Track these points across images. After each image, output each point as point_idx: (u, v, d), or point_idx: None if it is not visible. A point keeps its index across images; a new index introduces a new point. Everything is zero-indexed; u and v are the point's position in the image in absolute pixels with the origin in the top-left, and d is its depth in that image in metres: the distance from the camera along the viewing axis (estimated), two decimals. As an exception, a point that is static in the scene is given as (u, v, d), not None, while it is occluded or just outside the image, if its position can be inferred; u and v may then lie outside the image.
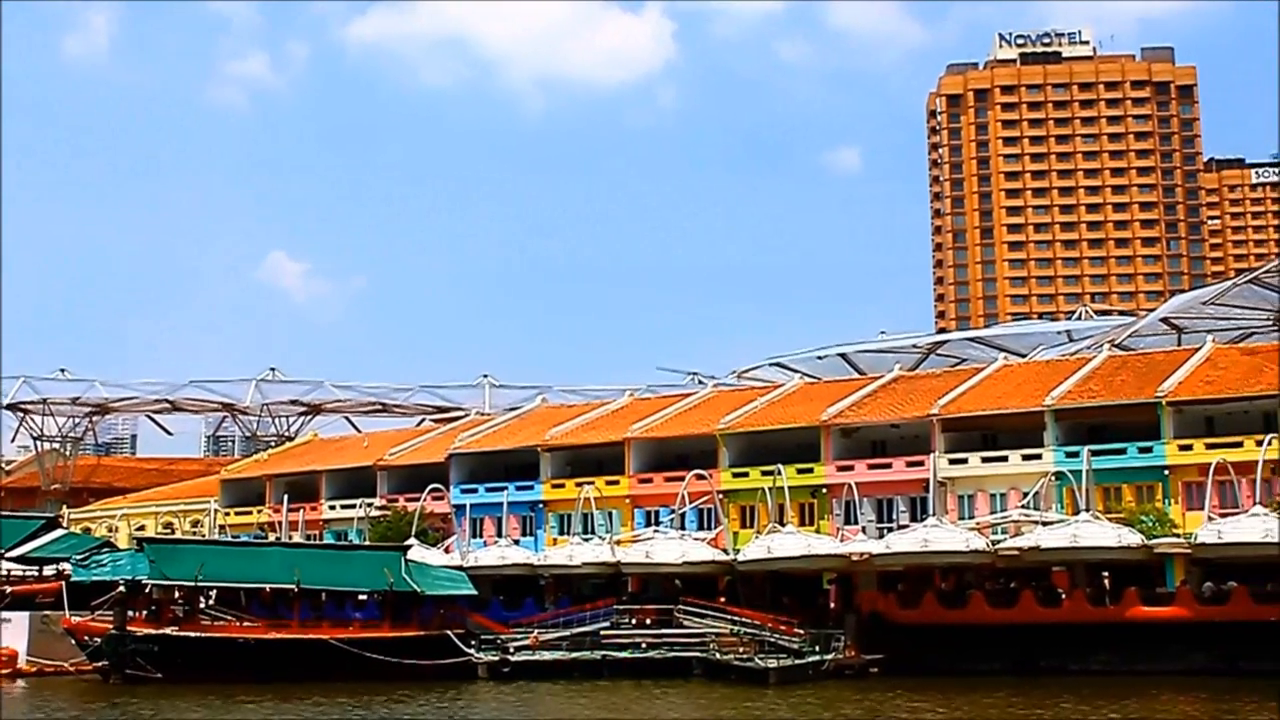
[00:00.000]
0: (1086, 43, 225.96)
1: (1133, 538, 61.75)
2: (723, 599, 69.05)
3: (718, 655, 62.25)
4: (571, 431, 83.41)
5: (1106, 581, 64.79)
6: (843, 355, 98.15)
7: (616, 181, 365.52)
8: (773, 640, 62.81)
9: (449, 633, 65.73)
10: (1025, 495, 67.32)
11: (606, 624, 67.60)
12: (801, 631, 63.19)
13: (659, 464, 78.57)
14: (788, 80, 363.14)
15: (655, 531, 73.73)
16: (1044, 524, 64.47)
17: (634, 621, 67.76)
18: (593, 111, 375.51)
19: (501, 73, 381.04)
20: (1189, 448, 66.14)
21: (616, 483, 78.34)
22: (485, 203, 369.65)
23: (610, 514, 77.25)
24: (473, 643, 65.97)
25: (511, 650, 65.56)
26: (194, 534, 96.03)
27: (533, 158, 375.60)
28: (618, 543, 73.49)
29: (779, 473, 71.34)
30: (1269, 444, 62.63)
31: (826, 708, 50.43)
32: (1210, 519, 61.83)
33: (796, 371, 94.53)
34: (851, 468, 72.67)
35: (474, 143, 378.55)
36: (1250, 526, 59.32)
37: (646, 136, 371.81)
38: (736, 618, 65.39)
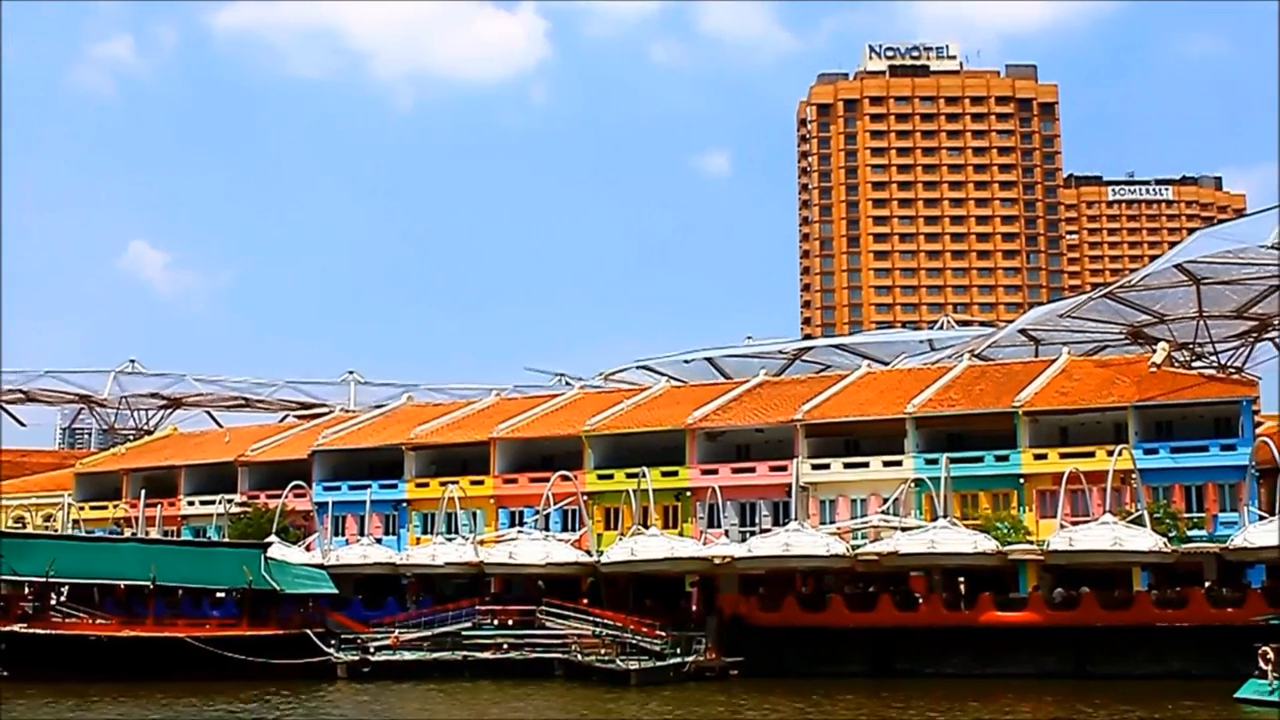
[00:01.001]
0: (954, 57, 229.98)
1: (988, 544, 63.04)
2: (585, 600, 69.19)
3: (579, 656, 62.39)
4: (437, 430, 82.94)
5: (962, 586, 66.09)
6: (709, 359, 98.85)
7: (487, 179, 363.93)
8: (634, 642, 63.08)
9: (308, 632, 65.05)
10: (885, 501, 68.41)
11: (468, 624, 67.40)
12: (663, 633, 63.52)
13: (524, 464, 78.48)
14: (660, 82, 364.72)
15: (519, 532, 73.57)
16: (903, 529, 65.54)
17: (496, 622, 67.63)
18: (464, 108, 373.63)
19: (372, 66, 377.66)
20: (1044, 457, 67.81)
21: (481, 483, 78.04)
22: (354, 197, 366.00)
23: (475, 514, 76.95)
24: (332, 642, 65.36)
25: (372, 650, 65.08)
26: (46, 528, 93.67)
27: (403, 153, 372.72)
28: (481, 543, 73.22)
29: (644, 475, 71.59)
30: (1119, 454, 64.40)
31: (686, 709, 50.78)
32: (1062, 526, 63.34)
33: (663, 375, 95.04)
34: (716, 471, 73.26)
35: (343, 136, 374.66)
36: (1100, 534, 60.87)
37: (518, 135, 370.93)
38: (599, 619, 65.56)
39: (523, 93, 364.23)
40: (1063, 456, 67.22)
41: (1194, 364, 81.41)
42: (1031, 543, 64.40)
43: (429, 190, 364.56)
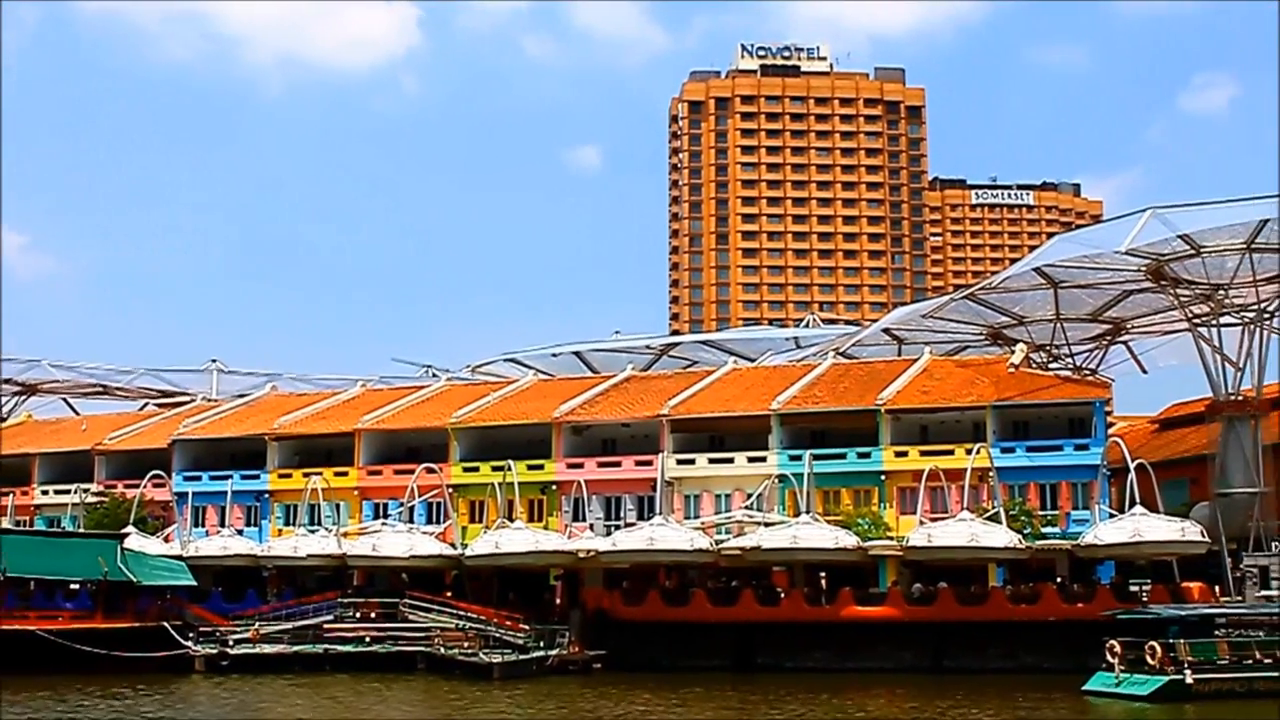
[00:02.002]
0: (824, 59, 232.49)
1: (849, 540, 63.95)
2: (449, 593, 68.95)
3: (442, 650, 62.17)
4: (301, 421, 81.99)
5: (824, 581, 66.97)
6: (577, 354, 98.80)
7: (355, 168, 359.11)
8: (498, 635, 63.00)
9: (166, 625, 63.97)
10: (749, 496, 69.12)
11: (330, 617, 66.80)
12: (527, 627, 63.48)
13: (389, 456, 77.95)
14: (532, 75, 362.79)
15: (383, 524, 73.06)
16: (766, 525, 66.25)
17: (358, 615, 67.10)
18: (334, 95, 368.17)
19: (242, 51, 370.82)
20: (904, 454, 69.06)
21: (345, 474, 77.39)
22: (220, 183, 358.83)
23: (338, 505, 76.23)
24: (190, 635, 64.33)
25: (231, 643, 64.23)
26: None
27: (271, 139, 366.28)
28: (344, 535, 72.61)
29: (509, 468, 71.51)
30: (977, 452, 65.78)
31: (548, 703, 50.85)
32: (921, 523, 64.53)
33: (531, 368, 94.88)
34: (581, 465, 73.48)
35: (211, 121, 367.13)
36: (957, 531, 62.08)
37: (388, 124, 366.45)
38: (462, 612, 65.35)
39: (393, 81, 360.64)
40: (923, 454, 68.54)
41: (1050, 365, 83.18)
42: (892, 539, 65.52)
43: (297, 177, 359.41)
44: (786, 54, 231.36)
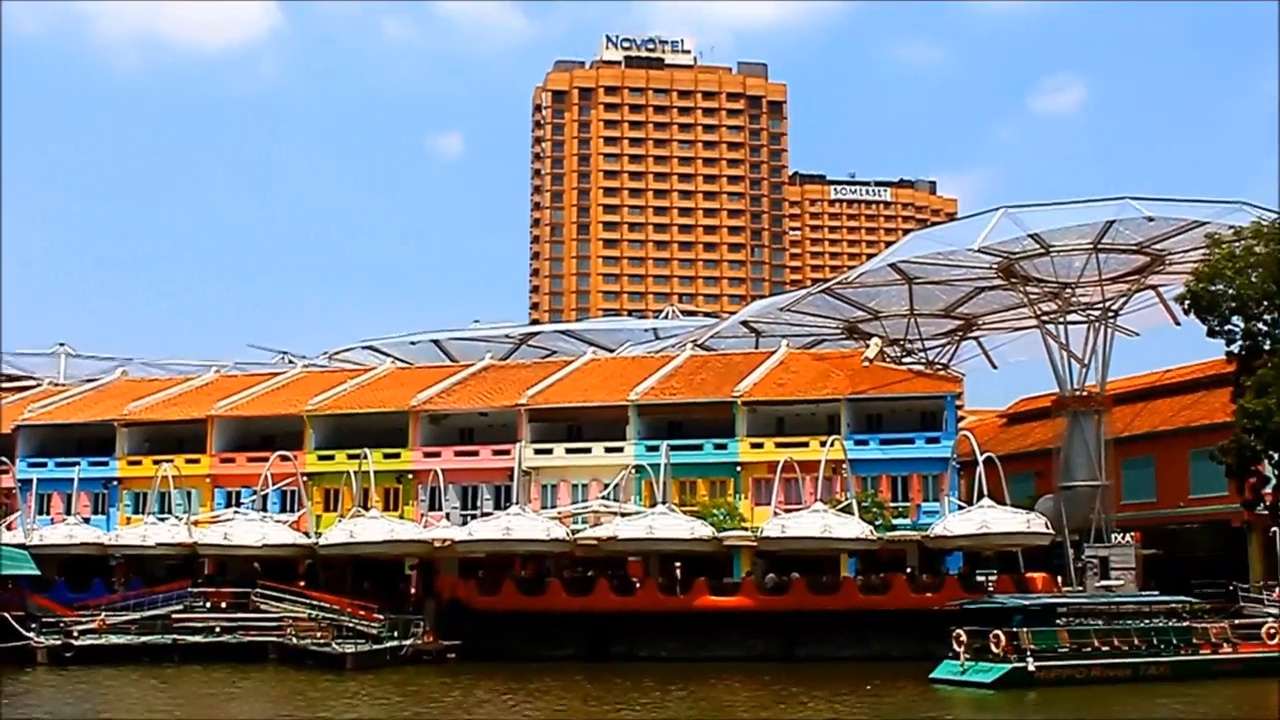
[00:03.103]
0: (688, 52, 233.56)
1: (704, 530, 64.50)
2: (302, 583, 68.12)
3: (294, 640, 61.39)
4: (152, 407, 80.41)
5: (678, 571, 67.41)
6: (436, 342, 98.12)
7: (212, 149, 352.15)
8: (351, 625, 62.39)
9: (7, 615, 62.27)
10: (606, 486, 69.34)
11: (179, 607, 65.53)
12: (381, 617, 62.98)
13: (243, 444, 76.82)
14: (394, 60, 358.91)
15: (235, 513, 71.97)
16: (622, 515, 66.52)
17: (209, 605, 65.97)
18: (191, 74, 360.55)
19: (95, 26, 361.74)
20: (760, 446, 69.90)
21: (197, 461, 76.18)
22: (69, 162, 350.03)
23: (189, 493, 74.90)
24: (33, 626, 62.71)
25: (75, 634, 62.69)
26: None
27: (124, 118, 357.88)
28: (195, 523, 71.33)
29: (365, 457, 70.90)
30: (831, 445, 66.75)
31: (400, 693, 50.49)
32: (776, 514, 65.29)
33: (389, 355, 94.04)
34: (438, 454, 73.16)
35: (62, 97, 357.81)
36: (811, 522, 62.97)
37: (246, 106, 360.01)
38: (315, 602, 64.61)
39: (252, 62, 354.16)
40: (778, 446, 69.44)
41: (904, 360, 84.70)
42: (746, 529, 66.23)
43: (151, 158, 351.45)
44: (651, 46, 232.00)
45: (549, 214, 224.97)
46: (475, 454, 73.42)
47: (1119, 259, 72.64)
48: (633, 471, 69.83)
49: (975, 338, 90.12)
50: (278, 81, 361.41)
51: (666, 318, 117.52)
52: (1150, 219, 67.21)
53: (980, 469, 64.25)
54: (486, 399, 75.32)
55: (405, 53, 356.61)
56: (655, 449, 69.06)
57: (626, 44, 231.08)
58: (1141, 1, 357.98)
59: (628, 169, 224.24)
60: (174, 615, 64.74)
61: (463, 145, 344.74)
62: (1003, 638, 50.02)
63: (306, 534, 70.56)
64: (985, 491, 63.40)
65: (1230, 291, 63.18)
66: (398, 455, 73.37)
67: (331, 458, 73.81)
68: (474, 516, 70.33)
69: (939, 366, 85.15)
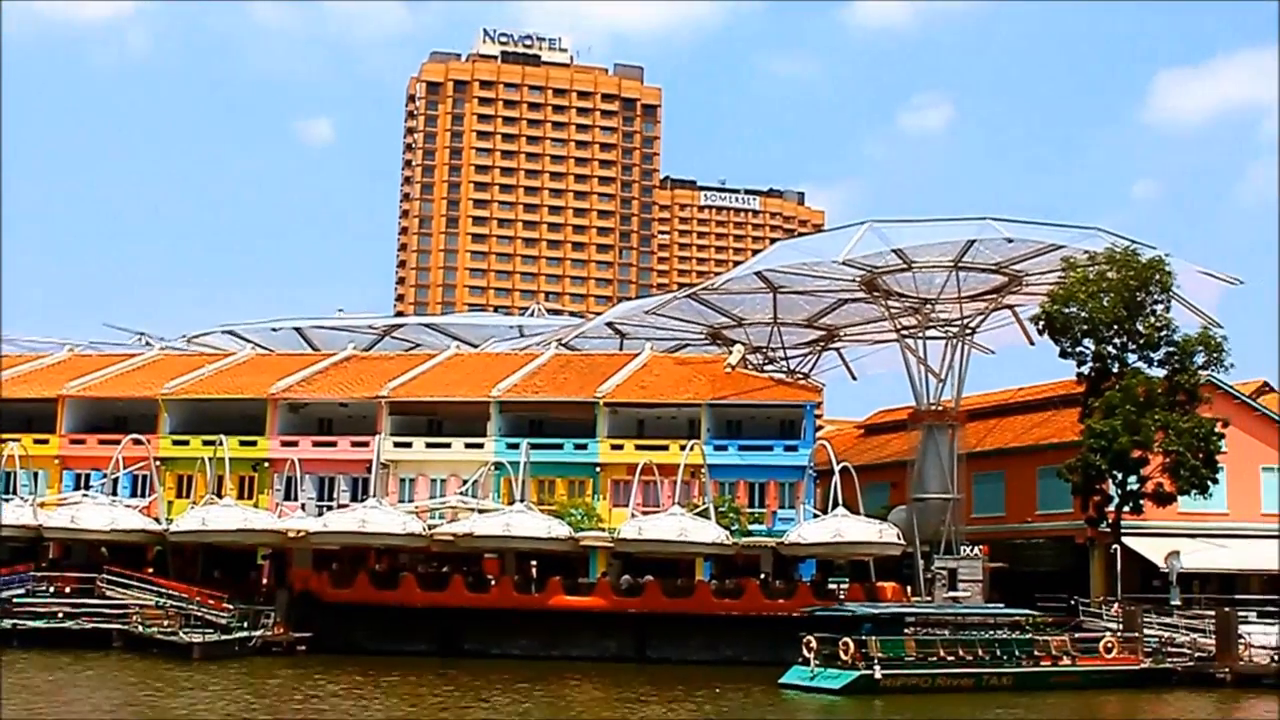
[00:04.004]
0: (565, 50, 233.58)
1: (562, 529, 64.58)
2: (151, 570, 66.82)
3: (140, 628, 60.25)
4: (-1, 384, 78.31)
5: (534, 570, 67.39)
6: (298, 329, 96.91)
7: (73, 124, 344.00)
8: (200, 614, 61.34)
9: None
10: (465, 482, 69.12)
11: (21, 591, 63.85)
12: (230, 606, 62.04)
13: (95, 425, 75.22)
14: (265, 42, 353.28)
15: (84, 495, 70.35)
16: (480, 511, 66.35)
17: (52, 590, 64.36)
18: (55, 45, 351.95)
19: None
20: (620, 447, 70.24)
21: (46, 441, 74.35)
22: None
23: (36, 474, 73.13)
24: None
25: (-92, 617, 60.81)
26: None
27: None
28: (41, 505, 69.58)
29: (221, 443, 69.85)
30: (691, 449, 67.27)
31: (244, 685, 49.80)
32: (633, 515, 65.57)
33: (249, 341, 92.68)
34: (296, 443, 72.43)
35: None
36: (668, 525, 63.31)
37: (110, 80, 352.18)
38: (163, 590, 63.44)
39: (118, 36, 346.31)
40: (638, 448, 69.86)
41: (766, 367, 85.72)
42: (603, 530, 66.44)
43: (6, 126, 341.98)
44: (528, 42, 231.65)
45: (418, 206, 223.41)
46: (333, 445, 72.76)
47: (978, 277, 74.22)
48: (492, 468, 69.69)
49: (836, 349, 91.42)
50: (146, 56, 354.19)
51: (532, 315, 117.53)
52: (1009, 240, 68.82)
53: (836, 478, 65.16)
54: (347, 390, 74.67)
55: (278, 35, 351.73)
56: (515, 447, 68.95)
57: (504, 39, 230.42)
58: (1012, 29, 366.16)
59: (499, 164, 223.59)
60: (15, 599, 63.10)
61: (333, 132, 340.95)
62: (851, 645, 50.81)
63: (157, 520, 69.23)
64: (840, 501, 64.29)
65: (1083, 314, 65.07)
66: (254, 443, 72.42)
67: (186, 443, 72.60)
68: (330, 508, 69.65)
69: (800, 375, 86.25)
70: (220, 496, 68.12)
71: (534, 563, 67.55)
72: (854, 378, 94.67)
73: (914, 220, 71.08)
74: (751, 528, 67.22)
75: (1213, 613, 58.49)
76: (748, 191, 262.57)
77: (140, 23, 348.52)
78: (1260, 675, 54.46)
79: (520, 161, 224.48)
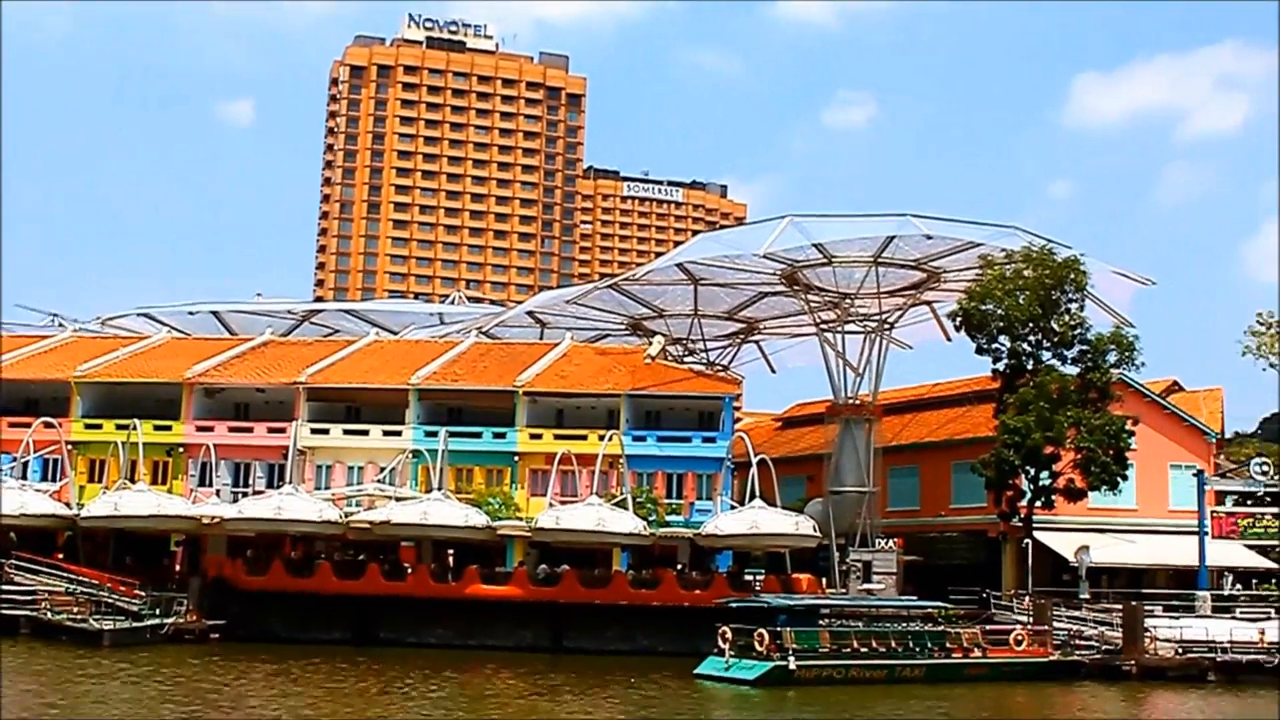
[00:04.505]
0: (490, 38, 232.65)
1: (479, 518, 64.45)
2: (61, 555, 65.83)
3: (49, 615, 59.37)
4: (-93, 365, 76.80)
5: (450, 559, 67.25)
6: (215, 313, 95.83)
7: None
8: (111, 601, 60.59)
9: None
10: (382, 470, 68.78)
11: (-75, 575, 62.75)
12: (142, 593, 61.33)
13: (5, 408, 73.77)
14: (187, 20, 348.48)
15: (-7, 479, 69.21)
16: (397, 499, 66.05)
17: (-43, 575, 63.30)
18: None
19: None
20: (539, 436, 70.25)
21: (-47, 425, 73.01)
22: None
23: (-57, 458, 71.80)
24: None
25: None
26: None
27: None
28: (-52, 489, 68.36)
29: (135, 427, 69.01)
30: (610, 439, 67.38)
31: (154, 673, 49.20)
32: (551, 505, 65.56)
33: (165, 325, 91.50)
34: (211, 429, 71.71)
35: None
36: (585, 515, 63.33)
37: (30, 61, 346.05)
38: (73, 576, 62.55)
39: (37, 14, 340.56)
40: (557, 438, 69.86)
41: (686, 359, 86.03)
42: (521, 519, 66.41)
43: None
44: (454, 28, 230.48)
45: (339, 190, 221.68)
46: (250, 430, 72.12)
47: (897, 273, 74.90)
48: (410, 456, 69.42)
49: (756, 341, 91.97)
50: (67, 35, 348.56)
51: (453, 303, 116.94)
52: (929, 237, 69.53)
53: (754, 470, 65.52)
54: (264, 375, 74.03)
55: (199, 14, 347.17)
56: (434, 434, 68.76)
57: (429, 24, 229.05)
58: (935, 29, 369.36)
59: (422, 150, 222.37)
60: (-83, 584, 61.99)
61: (254, 114, 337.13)
62: (766, 636, 51.15)
63: (68, 505, 68.21)
64: (757, 492, 64.69)
65: (999, 311, 65.90)
66: (169, 428, 71.63)
67: (99, 427, 71.63)
68: (245, 494, 69.09)
69: (719, 368, 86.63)
70: (133, 482, 67.20)
71: (451, 551, 67.47)
72: (773, 370, 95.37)
73: (835, 215, 71.64)
74: (669, 519, 67.43)
75: (1120, 607, 59.53)
76: (671, 183, 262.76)
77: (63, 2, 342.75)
78: (1165, 668, 55.51)
79: (443, 148, 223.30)
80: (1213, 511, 63.64)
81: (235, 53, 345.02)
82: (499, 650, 60.27)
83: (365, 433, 71.54)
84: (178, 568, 67.52)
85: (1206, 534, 62.96)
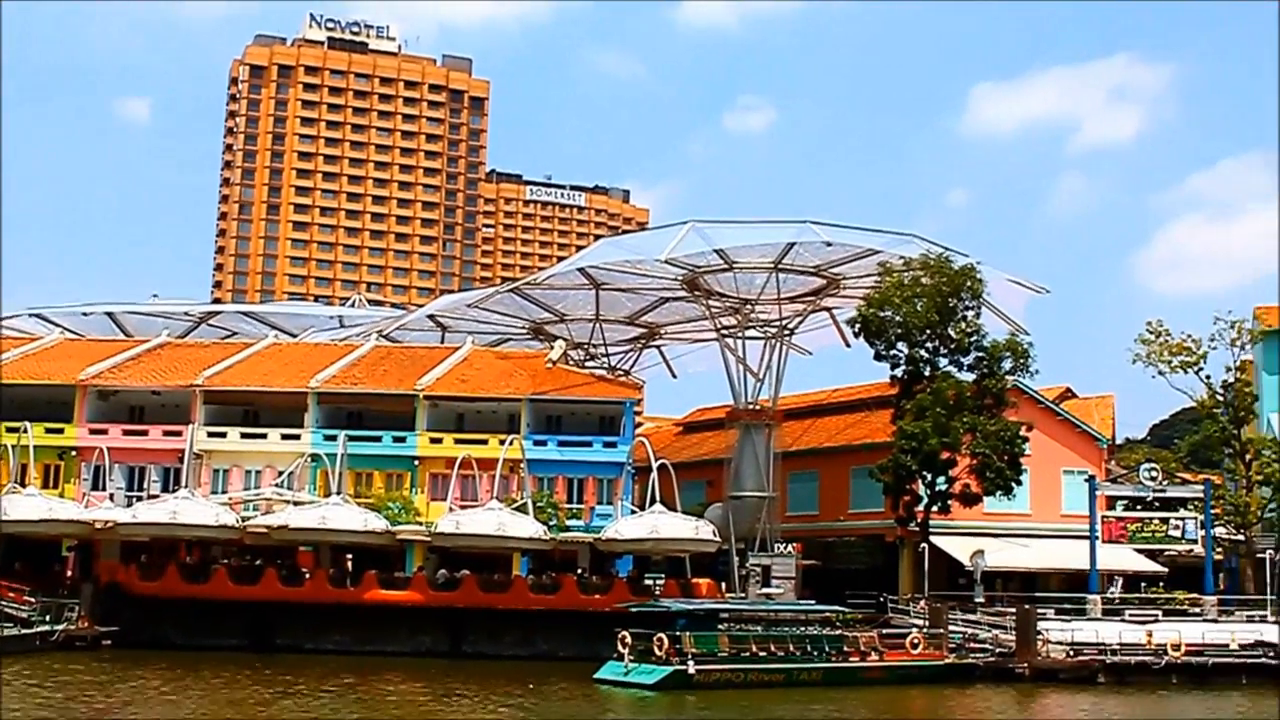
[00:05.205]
0: (393, 39, 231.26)
1: (378, 523, 64.01)
2: (-54, 561, 64.50)
3: (-66, 621, 58.09)
4: None
5: (349, 563, 66.73)
6: (110, 314, 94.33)
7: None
8: (-1, 607, 59.46)
9: None
10: (280, 474, 68.12)
11: None
12: (33, 600, 60.16)
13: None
14: (82, 15, 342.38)
15: (-123, 483, 67.56)
16: (295, 504, 65.47)
17: None
18: None
19: None
20: (439, 441, 69.95)
21: None
22: None
23: None
24: None
25: None
26: None
27: None
28: None
29: (25, 430, 67.73)
30: (510, 443, 67.29)
31: (43, 680, 48.28)
32: (451, 510, 65.33)
33: (58, 326, 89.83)
34: (105, 431, 70.52)
35: None
36: (485, 520, 63.18)
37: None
38: (-40, 581, 61.32)
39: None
40: (457, 442, 69.60)
41: (587, 364, 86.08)
42: (421, 524, 66.06)
43: None
44: (356, 29, 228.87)
45: (239, 191, 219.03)
46: (145, 434, 71.05)
47: (797, 279, 75.58)
48: (308, 460, 68.83)
49: (657, 346, 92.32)
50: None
51: (353, 306, 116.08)
52: (829, 244, 70.26)
53: (655, 475, 65.75)
54: (160, 377, 72.98)
55: (97, 9, 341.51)
56: (333, 438, 68.27)
57: (331, 24, 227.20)
58: (836, 36, 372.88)
59: (323, 152, 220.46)
60: None
61: (151, 112, 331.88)
62: (665, 641, 51.32)
63: (-45, 509, 66.80)
64: (658, 497, 64.89)
65: (897, 318, 66.76)
66: (61, 430, 70.34)
67: (-12, 430, 70.26)
68: (140, 498, 68.10)
69: (621, 372, 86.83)
70: (24, 485, 65.99)
71: (349, 556, 66.99)
72: (674, 375, 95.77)
73: (736, 221, 72.20)
74: (569, 523, 67.45)
75: (1014, 610, 60.43)
76: (573, 188, 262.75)
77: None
78: (1057, 670, 56.43)
79: (345, 150, 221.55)
80: (1103, 516, 64.77)
81: (132, 49, 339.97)
82: (398, 656, 59.88)
83: (263, 436, 70.78)
84: (69, 573, 66.43)
85: (1097, 538, 64.11)
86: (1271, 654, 57.47)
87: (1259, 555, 66.83)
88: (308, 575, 65.07)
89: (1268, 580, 63.80)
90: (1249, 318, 72.79)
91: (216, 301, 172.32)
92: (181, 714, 42.20)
